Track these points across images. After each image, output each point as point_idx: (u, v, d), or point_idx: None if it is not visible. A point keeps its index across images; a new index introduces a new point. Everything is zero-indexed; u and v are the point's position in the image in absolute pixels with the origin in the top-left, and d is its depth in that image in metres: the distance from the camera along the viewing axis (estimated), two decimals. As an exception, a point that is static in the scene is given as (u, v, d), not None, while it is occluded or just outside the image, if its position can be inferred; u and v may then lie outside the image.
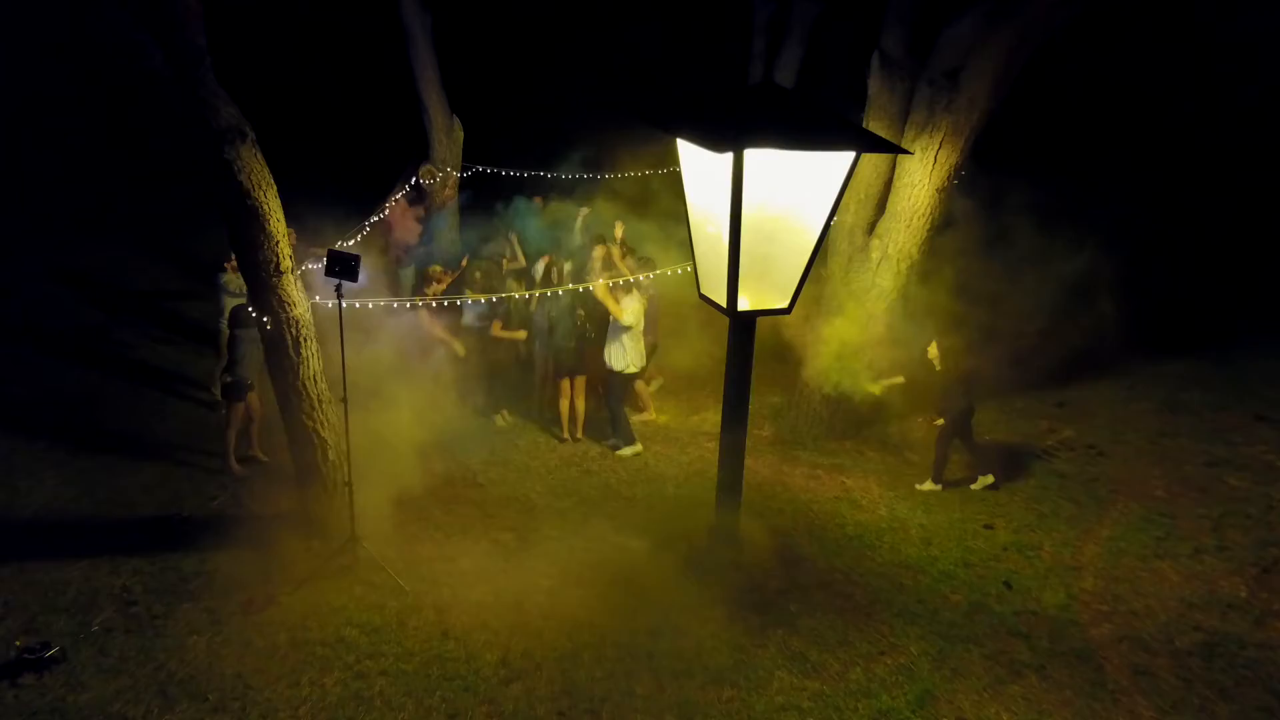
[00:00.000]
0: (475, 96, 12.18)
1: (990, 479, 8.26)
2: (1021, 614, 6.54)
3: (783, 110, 5.57)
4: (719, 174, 5.52)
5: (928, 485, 8.22)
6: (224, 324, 8.09)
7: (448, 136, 10.03)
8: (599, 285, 8.20)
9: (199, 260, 12.52)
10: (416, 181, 9.78)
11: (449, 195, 10.28)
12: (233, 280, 8.21)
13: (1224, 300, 13.56)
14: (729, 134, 5.23)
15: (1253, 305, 13.41)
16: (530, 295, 8.68)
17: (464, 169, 10.24)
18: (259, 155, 5.36)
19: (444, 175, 10.06)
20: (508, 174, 10.11)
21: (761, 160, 5.38)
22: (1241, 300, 13.62)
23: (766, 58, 11.65)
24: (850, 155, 5.48)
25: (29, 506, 7.18)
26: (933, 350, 7.95)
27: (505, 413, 9.24)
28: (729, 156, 5.26)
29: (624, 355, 8.52)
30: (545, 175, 10.31)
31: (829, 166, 5.57)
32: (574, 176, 10.64)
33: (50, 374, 9.70)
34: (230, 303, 7.99)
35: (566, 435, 8.88)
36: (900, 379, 8.40)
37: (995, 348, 8.84)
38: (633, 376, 8.86)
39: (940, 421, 8.19)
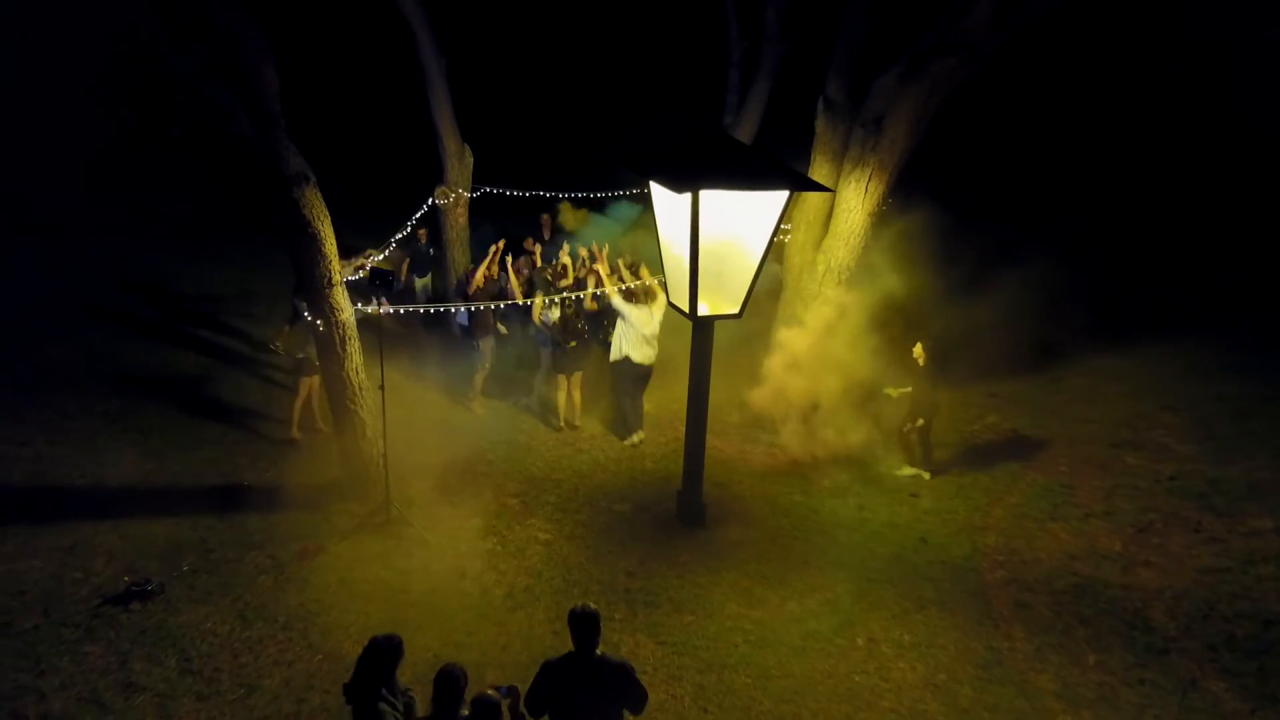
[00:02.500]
0: (484, 126, 13.55)
1: (913, 472, 9.51)
2: (932, 563, 7.89)
3: (731, 157, 6.93)
4: (682, 208, 6.87)
5: (910, 471, 9.35)
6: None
7: (459, 162, 11.36)
8: (613, 292, 9.38)
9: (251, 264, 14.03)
10: (432, 202, 11.12)
11: (460, 214, 11.63)
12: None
13: (1151, 305, 14.93)
14: (688, 178, 6.59)
15: (1176, 309, 14.76)
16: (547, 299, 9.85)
17: (473, 190, 11.57)
18: (319, 194, 6.71)
19: (456, 196, 11.40)
20: (511, 194, 11.45)
21: (714, 197, 6.73)
22: (1166, 305, 14.97)
23: (741, 89, 12.99)
24: (784, 193, 6.84)
25: (116, 477, 8.51)
26: (918, 350, 9.01)
27: (523, 399, 10.55)
28: (688, 195, 6.62)
29: (619, 347, 9.64)
30: (545, 195, 11.65)
31: (768, 201, 6.91)
32: (570, 196, 12.01)
33: (118, 364, 10.96)
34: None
35: (563, 424, 10.14)
36: (909, 389, 9.24)
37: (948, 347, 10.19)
38: (637, 367, 9.71)
39: (921, 423, 9.14)
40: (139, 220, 16.14)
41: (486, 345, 10.15)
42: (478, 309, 9.66)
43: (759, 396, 9.85)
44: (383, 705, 4.36)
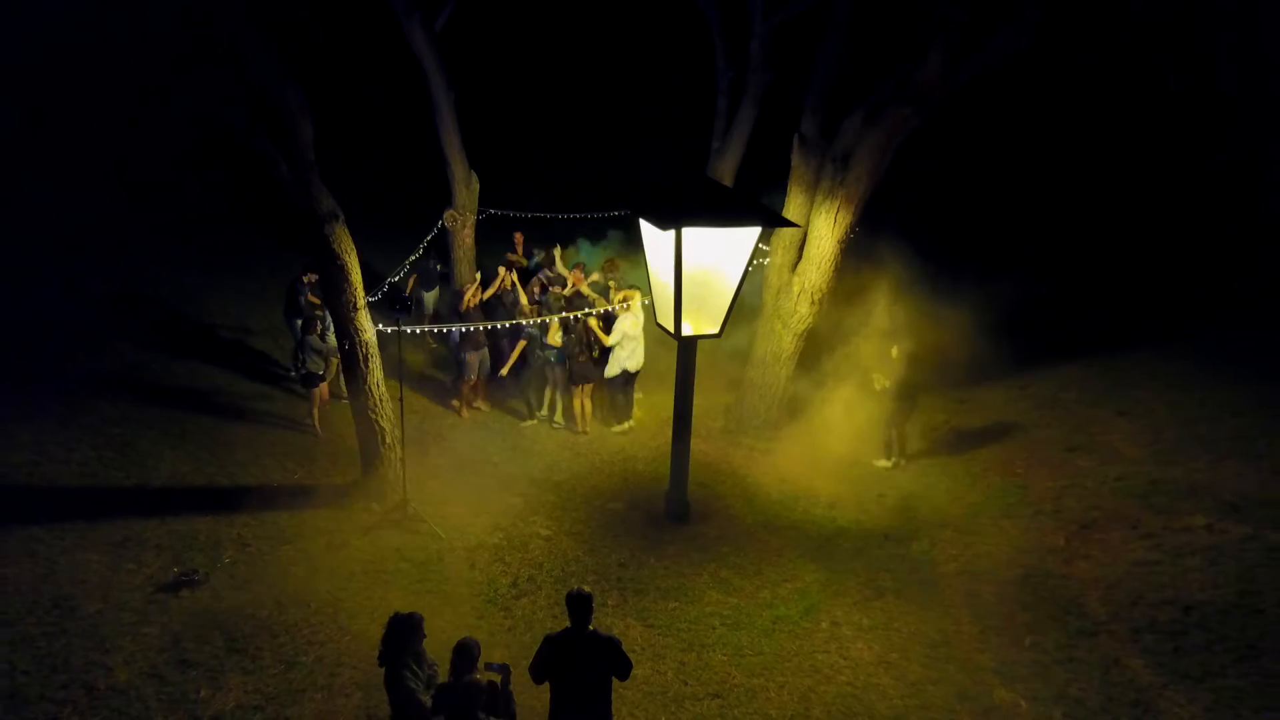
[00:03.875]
0: (489, 153, 14.40)
1: (890, 463, 10.42)
2: (893, 556, 8.72)
3: (710, 197, 7.76)
4: (667, 241, 7.70)
5: (886, 463, 10.33)
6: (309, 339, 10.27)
7: (467, 187, 12.19)
8: (593, 319, 10.35)
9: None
10: (441, 225, 11.96)
11: (467, 234, 12.47)
12: (315, 342, 10.38)
13: (1114, 318, 15.71)
14: (672, 217, 7.41)
15: (1135, 323, 15.53)
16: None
17: (479, 212, 12.41)
18: (346, 230, 7.54)
19: (463, 218, 12.24)
20: (513, 215, 12.31)
21: (695, 232, 7.57)
22: (1125, 317, 15.75)
23: (728, 114, 13.81)
24: (757, 229, 7.67)
25: (158, 478, 9.32)
26: (895, 352, 10.00)
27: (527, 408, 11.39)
28: (673, 232, 7.45)
29: (616, 365, 10.66)
30: (546, 217, 12.51)
31: (743, 235, 7.74)
32: (567, 217, 12.87)
33: (149, 374, 11.76)
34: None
35: (580, 430, 10.96)
36: (888, 382, 10.19)
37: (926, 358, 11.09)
38: (622, 375, 10.80)
39: (897, 416, 10.20)
40: (166, 237, 16.93)
41: (473, 358, 10.95)
42: (467, 325, 10.56)
43: (739, 402, 10.72)
44: (405, 671, 5.19)
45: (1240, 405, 11.65)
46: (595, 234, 13.71)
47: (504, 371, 11.11)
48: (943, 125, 9.66)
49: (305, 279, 11.15)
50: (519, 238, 13.35)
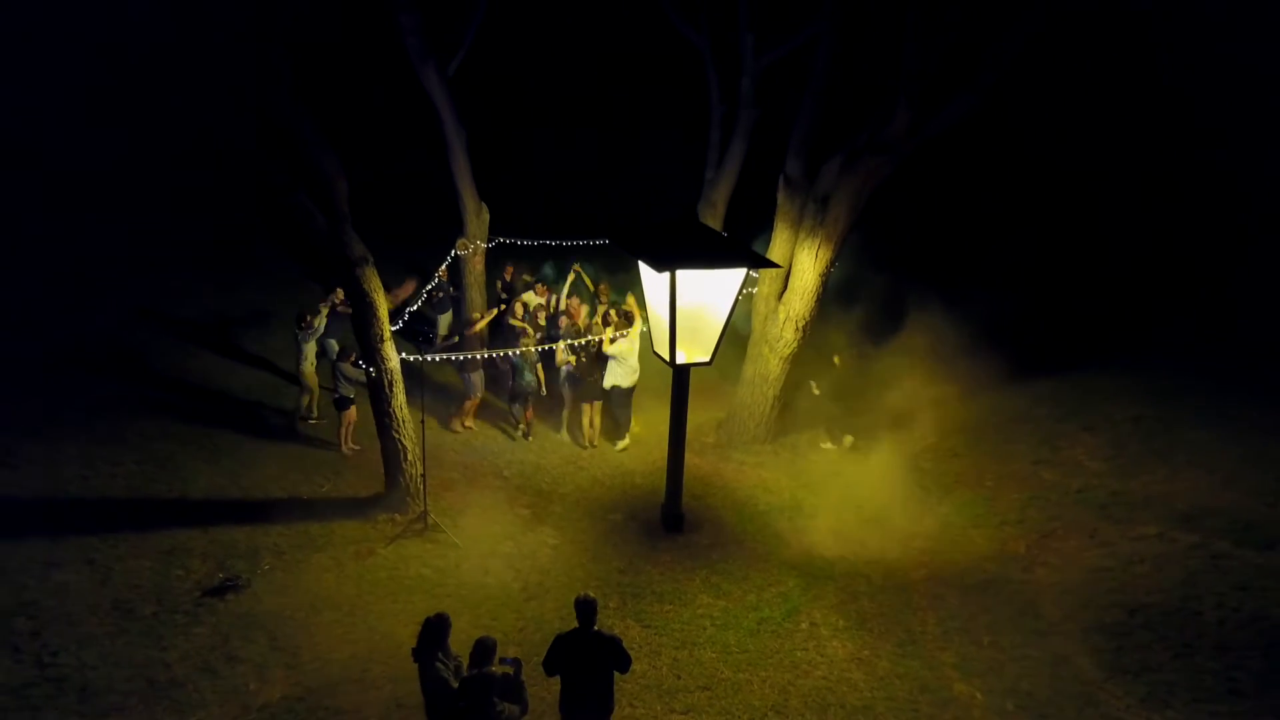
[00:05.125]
0: (498, 186, 15.26)
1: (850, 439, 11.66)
2: (869, 562, 9.51)
3: (702, 241, 8.53)
4: (663, 281, 8.50)
5: (829, 445, 11.66)
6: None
7: (477, 218, 13.01)
8: (606, 335, 11.16)
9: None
10: (455, 253, 12.79)
11: (478, 261, 13.29)
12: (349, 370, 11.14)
13: (1080, 337, 16.39)
14: (667, 260, 8.20)
15: (1105, 339, 16.24)
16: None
17: (489, 241, 13.24)
18: (375, 272, 8.36)
19: (474, 247, 13.06)
20: (520, 243, 13.17)
21: (688, 273, 8.37)
22: (1094, 336, 16.45)
23: (721, 146, 14.60)
24: (743, 270, 8.46)
25: (198, 491, 10.12)
26: (837, 360, 11.16)
27: (523, 426, 12.20)
28: (668, 274, 8.25)
29: (609, 379, 11.47)
30: (550, 244, 13.36)
31: (731, 275, 8.54)
32: (570, 244, 13.72)
33: (180, 393, 12.57)
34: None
35: (586, 443, 11.78)
36: (819, 390, 11.68)
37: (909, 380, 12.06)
38: (624, 390, 11.62)
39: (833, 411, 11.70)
40: (193, 259, 17.70)
41: (476, 378, 11.71)
42: (469, 348, 11.41)
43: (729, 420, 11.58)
44: (438, 664, 5.99)
45: (1199, 420, 12.37)
46: (559, 258, 14.68)
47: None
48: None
49: (335, 300, 12.07)
50: (509, 270, 14.26)
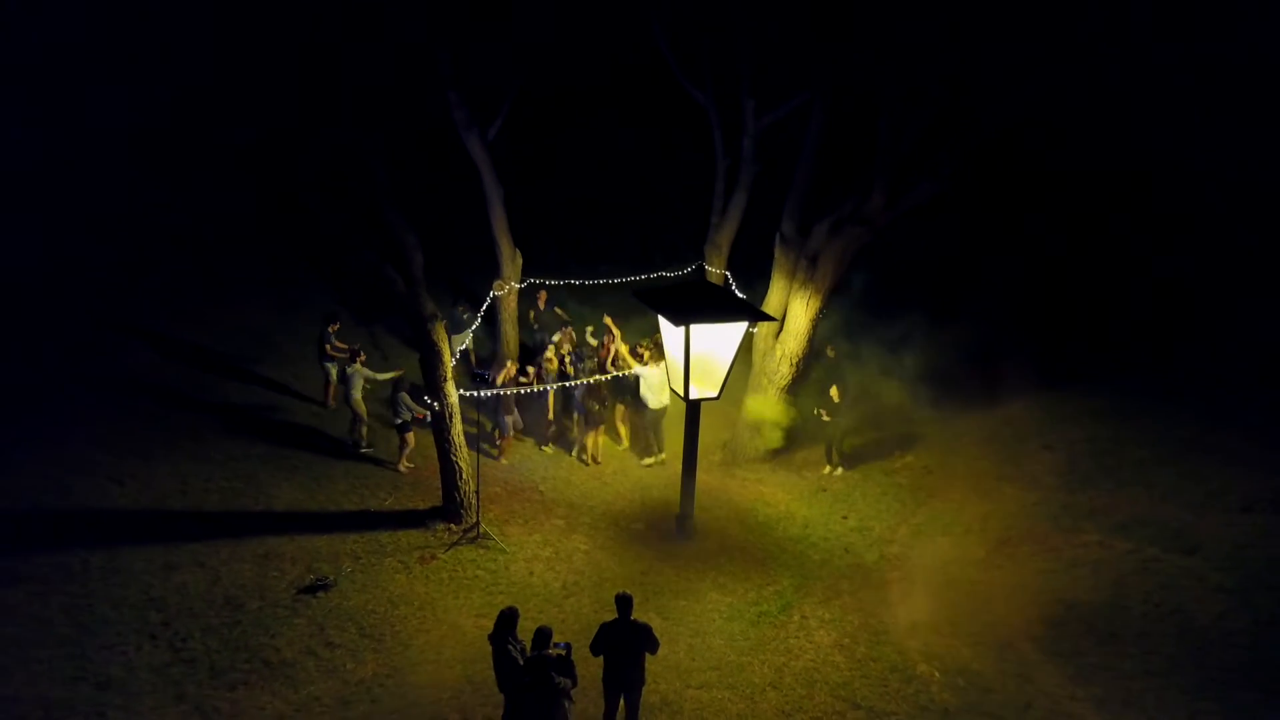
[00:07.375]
0: (530, 233, 16.86)
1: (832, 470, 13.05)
2: (851, 565, 11.09)
3: (711, 299, 10.18)
4: (679, 332, 10.13)
5: (829, 470, 13.10)
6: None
7: (512, 262, 14.63)
8: (632, 362, 12.81)
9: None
10: (492, 294, 14.42)
11: (511, 299, 14.91)
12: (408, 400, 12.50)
13: (1041, 365, 17.71)
14: (682, 315, 9.83)
15: (1070, 363, 17.53)
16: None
17: (522, 282, 14.87)
18: (442, 327, 10.00)
19: (509, 288, 14.69)
20: (552, 283, 14.84)
21: (700, 326, 9.99)
22: (1062, 359, 17.77)
23: (724, 198, 16.16)
24: (745, 323, 10.08)
25: (281, 503, 11.66)
26: (834, 391, 12.54)
27: (550, 447, 13.78)
28: (683, 328, 9.87)
29: (642, 397, 13.06)
30: (575, 283, 15.00)
31: (735, 326, 10.17)
32: (593, 283, 15.36)
33: (253, 416, 14.10)
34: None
35: (590, 460, 13.39)
36: (828, 416, 13.01)
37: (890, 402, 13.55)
38: (655, 411, 13.17)
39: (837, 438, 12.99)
40: (251, 288, 19.11)
41: (510, 420, 13.07)
42: (499, 394, 12.84)
43: (734, 441, 13.15)
44: (509, 646, 7.58)
45: (1147, 439, 13.79)
46: (582, 296, 16.40)
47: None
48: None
49: (331, 329, 13.70)
50: (543, 295, 15.72)
